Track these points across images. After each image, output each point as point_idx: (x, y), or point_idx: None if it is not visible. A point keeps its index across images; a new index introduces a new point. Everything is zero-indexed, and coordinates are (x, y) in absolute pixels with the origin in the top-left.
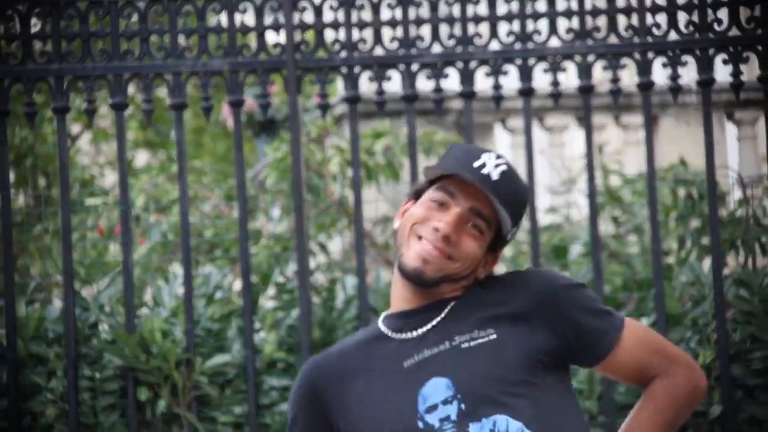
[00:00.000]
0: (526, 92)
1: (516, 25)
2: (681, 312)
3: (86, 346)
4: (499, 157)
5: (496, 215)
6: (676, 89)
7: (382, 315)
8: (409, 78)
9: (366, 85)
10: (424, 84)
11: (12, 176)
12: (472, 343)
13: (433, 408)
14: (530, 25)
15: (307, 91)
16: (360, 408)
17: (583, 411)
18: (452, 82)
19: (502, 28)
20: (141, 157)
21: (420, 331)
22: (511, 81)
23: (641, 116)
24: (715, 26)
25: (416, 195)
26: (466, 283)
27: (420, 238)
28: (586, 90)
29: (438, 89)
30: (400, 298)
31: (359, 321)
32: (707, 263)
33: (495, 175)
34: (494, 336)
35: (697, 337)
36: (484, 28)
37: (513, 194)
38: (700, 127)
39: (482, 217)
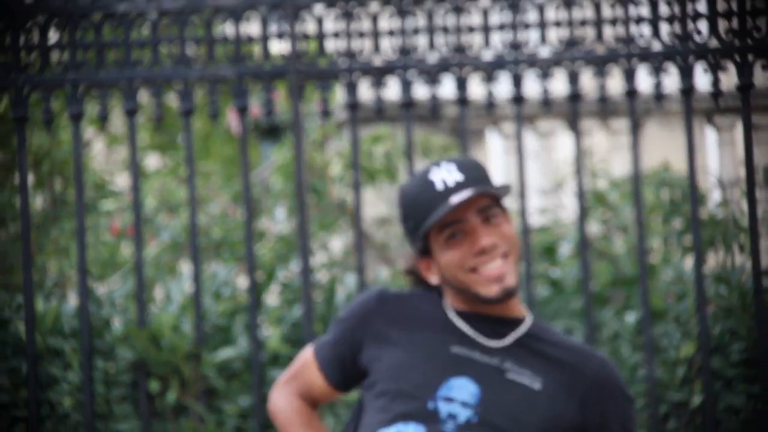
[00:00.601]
0: (518, 99)
1: (508, 35)
2: (665, 308)
3: (100, 340)
4: (439, 162)
5: (490, 195)
6: (659, 96)
7: (449, 308)
8: (407, 85)
9: (365, 93)
10: (420, 91)
11: (30, 179)
12: (517, 379)
13: (449, 400)
14: (521, 35)
15: (309, 98)
16: (392, 357)
17: None
18: (447, 89)
19: (495, 37)
20: (151, 161)
21: (492, 343)
22: (503, 88)
23: (627, 122)
24: (695, 37)
25: (423, 252)
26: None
27: (476, 270)
28: (575, 97)
29: (434, 96)
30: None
31: None
32: (689, 262)
33: (458, 176)
34: (539, 387)
35: (680, 332)
36: (477, 37)
37: (479, 171)
38: (682, 132)
39: (488, 207)
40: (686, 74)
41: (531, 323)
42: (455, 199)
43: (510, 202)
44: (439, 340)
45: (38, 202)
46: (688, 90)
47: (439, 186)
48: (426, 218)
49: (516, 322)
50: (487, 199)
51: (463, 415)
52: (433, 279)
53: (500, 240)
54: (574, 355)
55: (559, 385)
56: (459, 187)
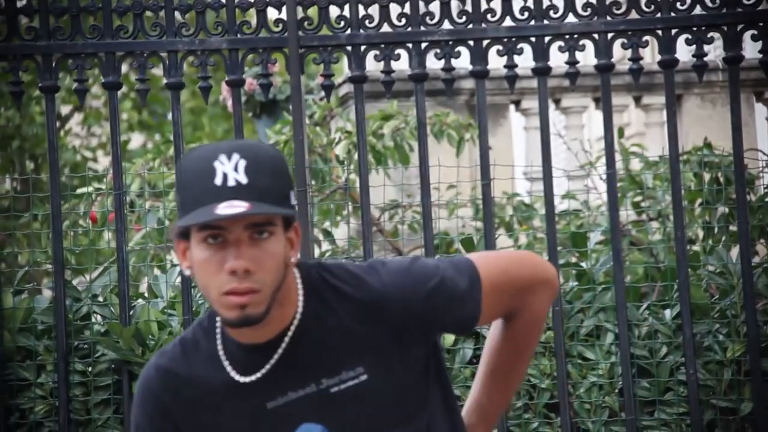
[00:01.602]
0: (542, 72)
1: (530, 1)
2: (707, 303)
3: (78, 338)
4: (231, 151)
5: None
6: (701, 67)
7: (218, 335)
8: (418, 57)
9: (372, 64)
10: (433, 63)
11: None
12: (342, 386)
13: None
14: (546, 1)
15: (310, 71)
16: None
17: (604, 407)
18: (463, 60)
19: (516, 4)
20: (135, 140)
21: (262, 371)
22: (525, 60)
23: (663, 96)
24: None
25: (183, 235)
26: (288, 285)
27: (225, 293)
28: (605, 69)
29: (448, 68)
30: (236, 332)
31: None
32: (735, 251)
33: (242, 178)
34: (365, 377)
35: (725, 330)
36: (496, 4)
37: (270, 176)
38: (726, 107)
39: (262, 224)
40: (732, 42)
41: (301, 313)
42: (222, 209)
43: (533, 185)
44: (248, 404)
45: (6, 184)
46: (734, 60)
47: (218, 180)
48: (192, 205)
49: (288, 329)
50: (267, 216)
51: None
52: (186, 269)
53: (257, 267)
54: (357, 307)
55: (378, 353)
56: (235, 193)
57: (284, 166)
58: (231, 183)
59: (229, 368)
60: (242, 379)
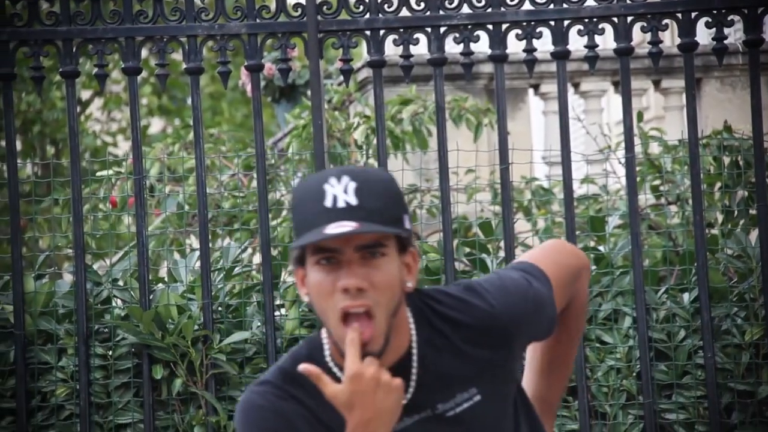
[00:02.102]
0: (561, 55)
1: None
2: (726, 286)
3: (98, 322)
4: (340, 174)
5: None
6: (720, 51)
7: (332, 366)
8: (437, 41)
9: (391, 49)
10: (452, 47)
11: (18, 144)
12: (458, 410)
13: None
14: None
15: (329, 56)
16: None
17: (621, 390)
18: (482, 45)
19: None
20: (155, 125)
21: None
22: (544, 44)
23: (683, 80)
24: None
25: (299, 261)
26: (402, 313)
27: (343, 315)
28: (625, 52)
29: (467, 53)
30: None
31: None
32: (754, 235)
33: (351, 199)
34: (478, 397)
35: (744, 313)
36: None
37: (380, 198)
38: (746, 90)
39: (373, 245)
40: (753, 25)
41: (416, 340)
42: (331, 228)
43: (552, 170)
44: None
45: (27, 169)
46: (754, 42)
47: (328, 202)
48: (303, 228)
49: (406, 356)
50: (378, 236)
51: None
52: (304, 295)
53: (370, 286)
54: (472, 329)
55: (489, 371)
56: (345, 213)
57: (396, 189)
58: (341, 204)
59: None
60: None
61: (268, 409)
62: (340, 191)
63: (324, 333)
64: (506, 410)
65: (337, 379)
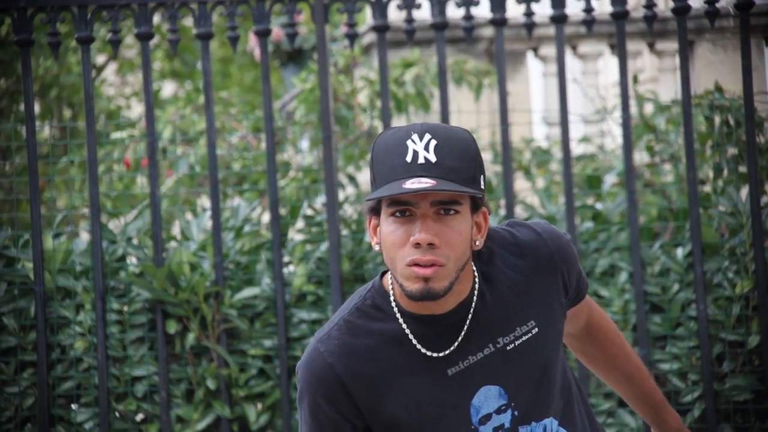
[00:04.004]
0: (559, 19)
1: None
2: (718, 242)
3: (114, 279)
4: (423, 131)
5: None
6: (712, 13)
7: (395, 309)
8: (439, 5)
9: (395, 14)
10: (454, 12)
11: (36, 107)
12: (517, 343)
13: (486, 418)
14: None
15: (334, 20)
16: (407, 420)
17: None
18: (483, 9)
19: None
20: (167, 88)
21: (454, 346)
22: (543, 8)
23: (676, 42)
24: None
25: (374, 210)
26: (469, 266)
27: (409, 263)
28: (620, 16)
29: (468, 17)
30: (413, 302)
31: None
32: (745, 192)
33: (431, 156)
34: (536, 330)
35: (735, 267)
36: None
37: (459, 157)
38: (737, 52)
39: (448, 201)
40: None
41: (477, 283)
42: (410, 183)
43: (551, 130)
44: (429, 374)
45: (45, 131)
46: (745, 5)
47: (408, 157)
48: (382, 180)
49: (468, 298)
50: (454, 194)
51: (506, 418)
52: (375, 244)
53: (441, 242)
54: (523, 260)
55: (543, 305)
56: (424, 170)
57: (475, 150)
58: (420, 161)
59: (415, 342)
60: (432, 354)
61: (329, 368)
62: (421, 148)
63: (387, 280)
64: (558, 351)
65: (409, 343)
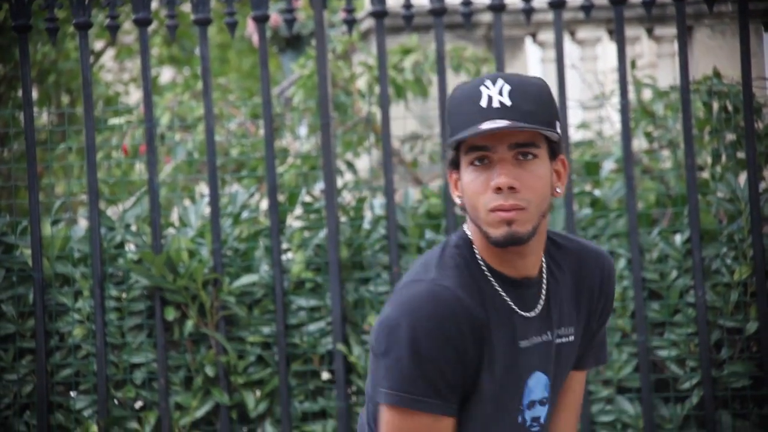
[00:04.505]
0: (557, 4)
1: None
2: (716, 228)
3: (112, 265)
4: (496, 78)
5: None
6: None
7: (483, 267)
8: None
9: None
10: None
11: (35, 94)
12: (563, 341)
13: (532, 404)
14: None
15: (333, 6)
16: (488, 382)
17: (616, 329)
18: None
19: None
20: (165, 74)
21: (533, 313)
22: None
23: (675, 28)
24: None
25: (454, 164)
26: (546, 221)
27: (491, 209)
28: (619, 1)
29: (467, 2)
30: (496, 257)
31: (387, 240)
32: (743, 178)
33: (506, 100)
34: (572, 338)
35: (733, 253)
36: None
37: (533, 102)
38: (735, 38)
39: (526, 144)
40: None
41: (545, 266)
42: (486, 125)
43: None
44: (509, 338)
45: (43, 117)
46: None
47: (483, 102)
48: (458, 128)
49: (539, 276)
50: (531, 136)
51: (543, 411)
52: (457, 197)
53: (522, 186)
54: (579, 262)
55: (579, 319)
56: (499, 112)
57: (549, 95)
58: (495, 104)
59: (508, 300)
60: (525, 314)
61: (452, 306)
62: (495, 93)
63: (469, 233)
64: (570, 365)
65: (504, 301)
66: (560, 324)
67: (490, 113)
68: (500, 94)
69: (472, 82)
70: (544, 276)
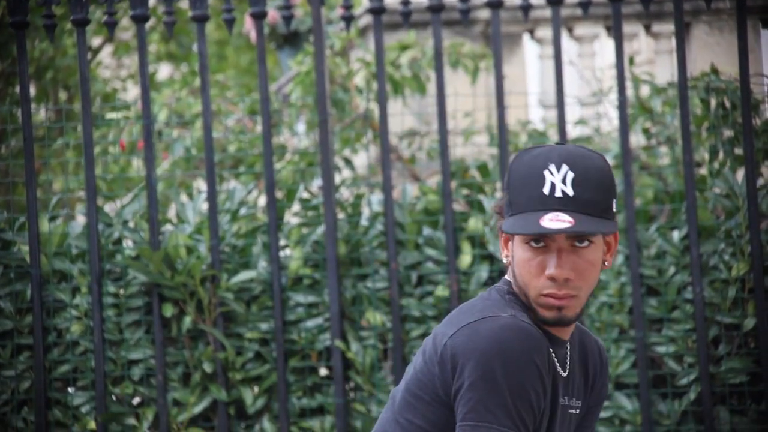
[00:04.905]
0: (555, 1)
1: None
2: (714, 224)
3: (110, 262)
4: (561, 161)
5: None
6: None
7: (524, 318)
8: None
9: None
10: None
11: (32, 90)
12: (571, 412)
13: None
14: None
15: (330, 3)
16: (543, 421)
17: (614, 325)
18: None
19: None
20: (163, 71)
21: (566, 373)
22: None
23: (673, 24)
24: None
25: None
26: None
27: (544, 295)
28: None
29: None
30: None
31: (385, 237)
32: (741, 174)
33: (569, 190)
34: (578, 411)
35: (731, 250)
36: None
37: (595, 189)
38: (733, 34)
39: (583, 234)
40: None
41: (571, 334)
42: (548, 221)
43: (547, 112)
44: (554, 391)
45: (41, 114)
46: None
47: (546, 189)
48: (518, 208)
49: (565, 342)
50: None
51: None
52: (505, 257)
53: (576, 276)
54: (591, 355)
55: (588, 392)
56: (561, 204)
57: (610, 178)
58: (558, 194)
59: (552, 355)
60: (561, 372)
61: (539, 339)
62: (559, 180)
63: (510, 290)
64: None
65: (552, 359)
66: (572, 394)
67: (552, 203)
68: (563, 182)
69: (536, 159)
70: (568, 344)
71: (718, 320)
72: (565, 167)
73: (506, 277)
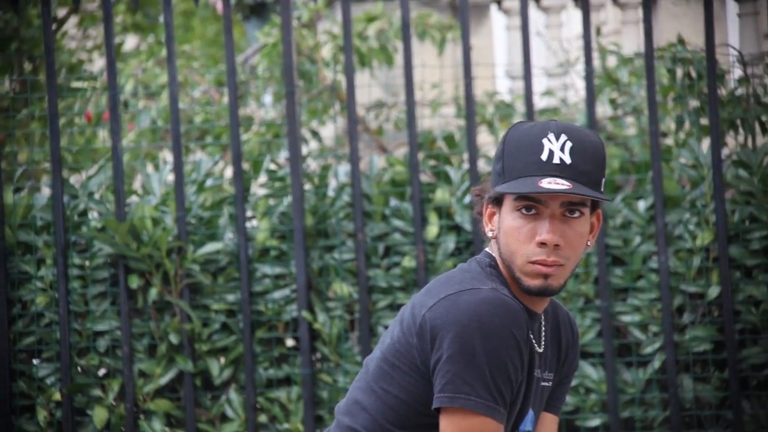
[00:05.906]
0: None
1: None
2: (679, 194)
3: (75, 233)
4: (559, 131)
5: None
6: None
7: (504, 292)
8: None
9: None
10: None
11: None
12: (544, 384)
13: None
14: None
15: None
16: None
17: (580, 295)
18: None
19: None
20: (129, 42)
21: (540, 348)
22: None
23: None
24: None
25: (496, 201)
26: None
27: (532, 262)
28: None
29: None
30: (519, 291)
31: (352, 208)
32: (706, 144)
33: (566, 158)
34: (550, 384)
35: (696, 219)
36: None
37: (591, 161)
38: (699, 4)
39: (577, 203)
40: None
41: (546, 309)
42: (547, 183)
43: (514, 84)
44: (530, 365)
45: (5, 84)
46: None
47: (544, 155)
48: (514, 174)
49: (539, 315)
50: (583, 197)
51: None
52: (489, 231)
53: (565, 244)
54: (564, 330)
55: (559, 365)
56: (560, 170)
57: (603, 155)
58: (556, 161)
59: (529, 329)
60: (537, 347)
61: (518, 313)
62: (557, 148)
63: (497, 260)
64: (541, 410)
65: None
66: (546, 367)
67: (550, 169)
68: (562, 150)
69: (533, 128)
70: (542, 317)
71: (682, 289)
72: (564, 136)
73: (487, 249)
